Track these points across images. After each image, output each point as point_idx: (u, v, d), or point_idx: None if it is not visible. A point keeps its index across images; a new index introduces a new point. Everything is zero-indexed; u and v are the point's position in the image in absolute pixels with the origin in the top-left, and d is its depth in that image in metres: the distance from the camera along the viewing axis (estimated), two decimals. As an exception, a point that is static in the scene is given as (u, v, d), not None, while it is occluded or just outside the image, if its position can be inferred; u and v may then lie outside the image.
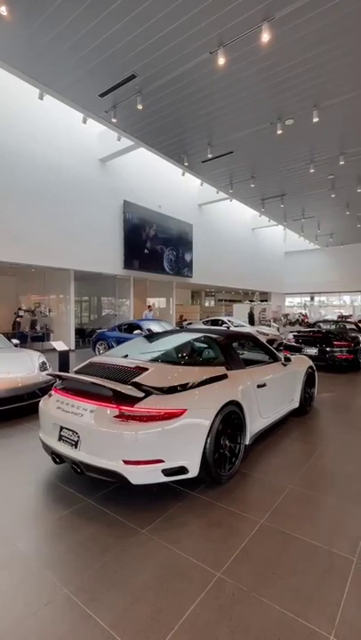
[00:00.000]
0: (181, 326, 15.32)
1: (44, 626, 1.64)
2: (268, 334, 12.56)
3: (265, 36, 5.87)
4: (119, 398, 2.62)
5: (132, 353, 3.59)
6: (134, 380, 2.77)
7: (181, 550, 2.14)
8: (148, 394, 2.70)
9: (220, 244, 19.45)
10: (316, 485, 2.94)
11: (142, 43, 6.30)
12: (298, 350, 8.68)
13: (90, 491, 2.81)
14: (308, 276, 28.62)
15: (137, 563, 2.04)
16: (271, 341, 11.98)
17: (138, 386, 2.70)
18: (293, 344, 8.90)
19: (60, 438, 2.79)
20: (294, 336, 9.10)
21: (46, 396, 3.22)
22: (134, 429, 2.50)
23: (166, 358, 3.43)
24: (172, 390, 2.76)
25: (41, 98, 8.51)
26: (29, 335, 12.32)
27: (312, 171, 11.53)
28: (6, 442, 3.86)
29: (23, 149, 10.12)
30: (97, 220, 12.47)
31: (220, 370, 3.27)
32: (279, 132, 8.91)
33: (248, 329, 12.84)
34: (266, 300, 26.38)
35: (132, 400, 2.61)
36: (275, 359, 4.35)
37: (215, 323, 13.94)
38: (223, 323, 13.54)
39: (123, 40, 6.21)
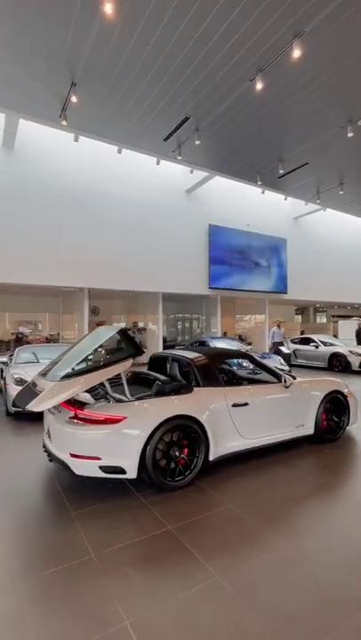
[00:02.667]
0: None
1: None
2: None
3: (296, 52, 5.81)
4: (76, 403, 3.23)
5: None
6: None
7: (84, 531, 2.56)
8: (100, 400, 3.23)
9: (322, 256, 18.09)
10: (258, 512, 2.86)
11: (188, 87, 7.01)
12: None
13: (62, 477, 3.47)
14: None
15: (47, 527, 2.57)
16: (365, 363, 10.62)
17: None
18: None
19: (47, 432, 3.56)
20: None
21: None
22: (80, 429, 3.06)
23: (76, 371, 3.48)
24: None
25: (119, 152, 10.14)
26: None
27: None
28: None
29: (114, 193, 12.03)
30: (183, 246, 13.55)
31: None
32: (350, 134, 8.22)
33: (339, 349, 11.64)
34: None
35: (83, 405, 3.18)
36: (278, 380, 4.22)
37: (305, 341, 13.10)
38: (312, 341, 12.61)
39: (171, 89, 7.05)
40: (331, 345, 12.08)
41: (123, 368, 3.27)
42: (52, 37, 5.71)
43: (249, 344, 12.24)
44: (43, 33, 5.61)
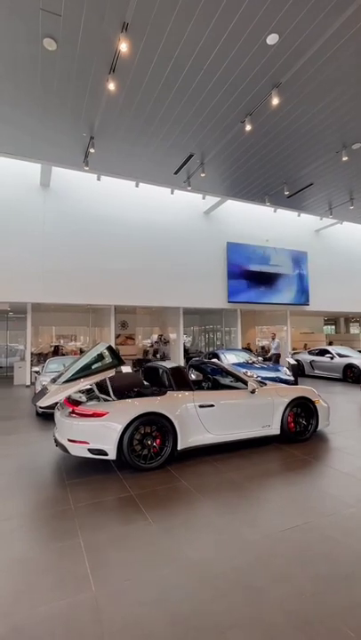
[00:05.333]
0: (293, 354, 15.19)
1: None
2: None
3: (275, 101, 6.65)
4: (73, 402, 4.27)
5: None
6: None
7: (71, 493, 3.54)
8: (92, 400, 4.24)
9: (344, 267, 18.12)
10: (200, 487, 3.66)
11: (188, 130, 8.06)
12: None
13: (65, 459, 4.50)
14: None
15: (45, 493, 3.59)
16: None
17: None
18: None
19: (56, 425, 4.63)
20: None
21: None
22: (75, 421, 4.08)
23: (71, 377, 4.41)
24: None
25: (137, 185, 11.44)
26: (152, 360, 15.23)
27: None
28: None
29: (138, 220, 13.34)
30: (202, 264, 14.51)
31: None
32: (345, 158, 8.79)
33: (354, 360, 11.82)
34: None
35: (78, 403, 4.21)
36: (246, 386, 4.98)
37: (321, 353, 13.35)
38: (328, 353, 12.85)
39: (174, 133, 8.13)
40: (346, 357, 12.27)
41: (108, 374, 4.27)
42: (73, 101, 7.02)
43: (259, 356, 12.75)
44: (66, 98, 6.91)
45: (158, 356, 15.69)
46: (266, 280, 15.76)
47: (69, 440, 4.03)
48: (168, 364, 4.97)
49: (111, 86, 6.20)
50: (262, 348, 18.10)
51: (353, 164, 9.42)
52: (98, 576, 2.30)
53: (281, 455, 4.65)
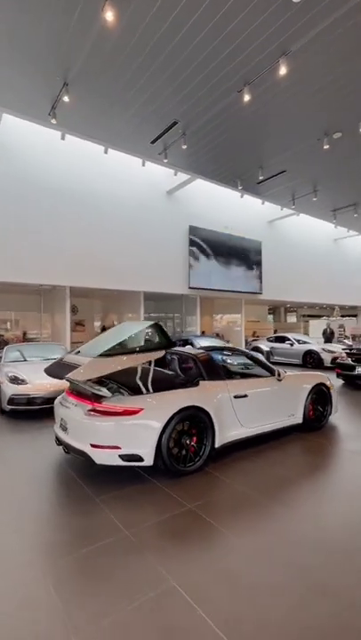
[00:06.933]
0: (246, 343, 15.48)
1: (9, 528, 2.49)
2: (334, 352, 11.90)
3: (283, 70, 6.24)
4: (93, 397, 3.42)
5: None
6: None
7: (113, 514, 2.77)
8: (119, 394, 3.44)
9: (295, 258, 18.98)
10: (264, 492, 3.20)
11: (178, 94, 7.27)
12: (350, 369, 8.22)
13: (77, 468, 3.64)
14: None
15: (78, 515, 2.76)
16: (336, 359, 11.36)
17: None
18: (346, 362, 8.45)
19: (60, 426, 3.71)
20: (347, 353, 8.62)
21: (60, 396, 4.21)
22: (99, 421, 3.25)
23: (111, 351, 3.71)
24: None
25: (106, 152, 10.22)
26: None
27: (378, 178, 10.82)
28: (45, 428, 5.00)
29: (96, 192, 12.05)
30: (164, 246, 13.78)
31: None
32: (326, 146, 8.84)
33: (313, 346, 12.38)
34: (355, 315, 24.29)
35: (99, 398, 3.37)
36: (270, 374, 4.60)
37: (280, 339, 13.77)
38: (287, 340, 13.29)
39: (162, 95, 7.27)
40: (304, 343, 12.81)
41: (155, 356, 3.56)
42: (49, 37, 5.77)
43: (227, 342, 12.67)
44: (41, 30, 5.64)
45: (115, 343, 14.65)
46: (225, 267, 15.68)
47: (93, 446, 3.21)
48: (194, 351, 4.34)
49: (109, 16, 5.13)
50: (217, 334, 18.17)
51: (329, 153, 9.54)
52: None
53: (311, 445, 4.39)
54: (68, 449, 3.51)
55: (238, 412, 3.99)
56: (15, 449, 4.40)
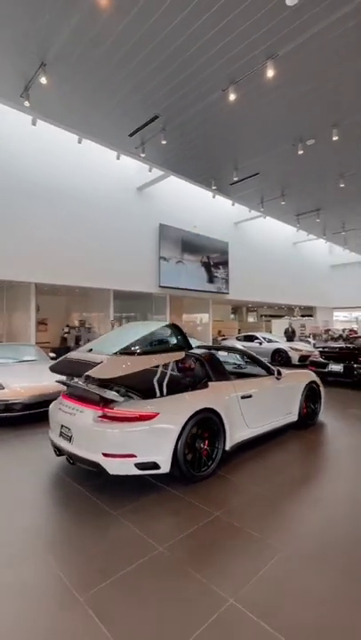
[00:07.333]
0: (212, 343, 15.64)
1: (19, 566, 2.17)
2: (301, 350, 12.42)
3: (270, 72, 6.31)
4: (103, 401, 3.15)
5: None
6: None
7: (138, 529, 2.56)
8: (128, 398, 3.20)
9: (258, 260, 19.55)
10: (281, 491, 3.17)
11: (162, 89, 7.08)
12: (323, 366, 8.59)
13: (83, 479, 3.34)
14: (359, 290, 27.20)
15: (100, 534, 2.51)
16: (304, 357, 11.85)
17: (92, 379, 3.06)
18: (319, 360, 8.82)
19: (60, 434, 3.38)
20: (320, 352, 9.01)
21: (55, 400, 3.86)
22: (112, 427, 3.00)
23: (128, 350, 3.63)
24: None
25: (80, 142, 9.72)
26: (73, 349, 13.49)
27: (342, 185, 11.44)
28: (30, 437, 4.57)
29: (66, 183, 11.45)
30: (134, 244, 13.46)
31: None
32: (300, 152, 9.15)
33: (281, 345, 12.81)
34: (311, 315, 25.61)
35: (108, 403, 3.12)
36: (269, 373, 4.61)
37: (249, 338, 14.06)
38: (256, 338, 13.62)
39: (145, 88, 7.04)
40: (272, 342, 13.21)
41: (176, 358, 3.45)
42: (30, 12, 5.30)
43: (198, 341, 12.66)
44: (19, 4, 5.17)
45: (82, 343, 14.00)
46: (195, 267, 15.70)
47: (106, 455, 2.95)
48: (198, 350, 4.20)
49: (102, -3, 4.82)
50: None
51: (301, 158, 9.89)
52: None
53: (310, 442, 4.47)
54: (73, 459, 3.20)
55: (245, 412, 3.93)
56: (9, 463, 3.96)
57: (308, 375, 5.19)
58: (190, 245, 15.44)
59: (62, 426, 3.37)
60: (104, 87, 6.98)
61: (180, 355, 3.45)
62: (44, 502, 3.01)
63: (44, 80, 6.46)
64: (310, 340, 16.34)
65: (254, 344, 13.36)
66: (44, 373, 5.85)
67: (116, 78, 6.73)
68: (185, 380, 3.81)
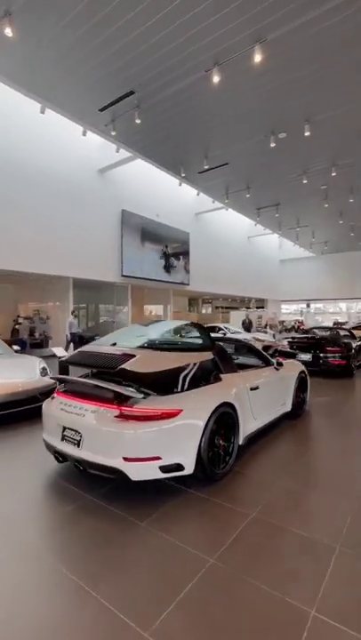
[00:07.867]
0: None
1: (54, 608, 1.80)
2: (263, 340, 12.77)
3: (257, 57, 6.18)
4: (119, 399, 2.79)
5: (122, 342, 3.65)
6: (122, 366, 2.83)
7: (178, 540, 2.29)
8: (147, 395, 2.88)
9: (217, 252, 19.74)
10: (304, 481, 3.11)
11: (141, 61, 6.60)
12: (292, 356, 8.86)
13: (90, 488, 2.96)
14: (303, 284, 28.95)
15: (136, 551, 2.20)
16: (267, 348, 12.17)
17: (126, 373, 2.79)
18: (288, 350, 9.09)
19: (63, 438, 2.95)
20: (289, 342, 9.30)
21: (49, 398, 3.39)
22: (133, 428, 2.67)
23: (154, 345, 3.61)
24: (157, 376, 2.91)
25: (42, 112, 8.79)
26: (28, 342, 12.45)
27: (305, 181, 11.86)
28: (11, 443, 4.01)
29: (23, 160, 10.37)
30: (96, 229, 12.71)
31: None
32: (272, 144, 9.23)
33: (244, 335, 13.05)
34: (263, 307, 26.68)
35: (124, 401, 2.78)
36: (267, 364, 4.54)
37: (212, 329, 14.12)
38: (220, 329, 13.74)
39: (123, 58, 6.50)
40: (236, 332, 13.42)
41: (203, 357, 3.34)
42: None
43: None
44: None
45: (37, 335, 12.95)
46: (157, 257, 15.34)
47: (128, 459, 2.62)
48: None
49: None
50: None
51: (269, 152, 10.00)
52: None
53: (310, 430, 4.52)
54: (82, 466, 2.80)
55: (253, 404, 3.81)
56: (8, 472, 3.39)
57: (299, 365, 5.25)
58: (153, 234, 15.03)
59: (65, 428, 2.95)
60: (77, 52, 6.32)
61: (208, 355, 3.28)
62: (50, 524, 2.58)
63: (9, 32, 5.62)
64: (268, 330, 16.96)
65: (218, 335, 13.45)
66: (16, 368, 5.23)
67: (91, 43, 6.12)
68: (198, 374, 3.56)
